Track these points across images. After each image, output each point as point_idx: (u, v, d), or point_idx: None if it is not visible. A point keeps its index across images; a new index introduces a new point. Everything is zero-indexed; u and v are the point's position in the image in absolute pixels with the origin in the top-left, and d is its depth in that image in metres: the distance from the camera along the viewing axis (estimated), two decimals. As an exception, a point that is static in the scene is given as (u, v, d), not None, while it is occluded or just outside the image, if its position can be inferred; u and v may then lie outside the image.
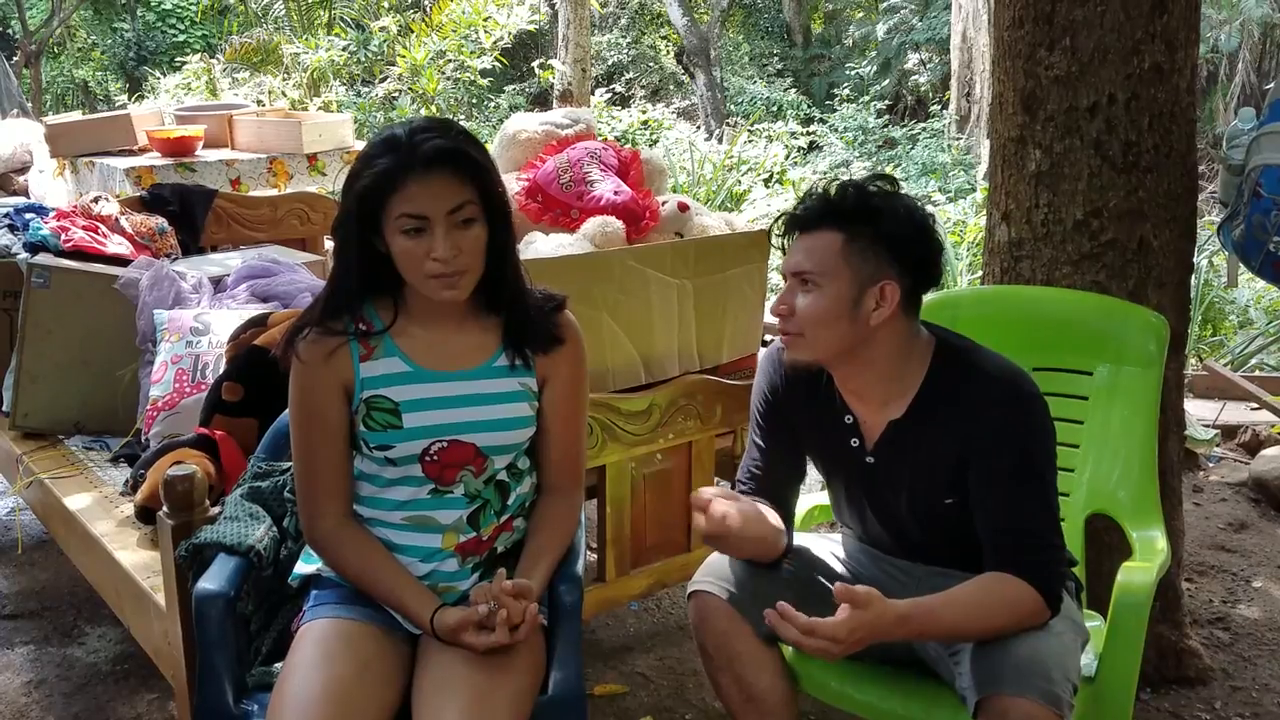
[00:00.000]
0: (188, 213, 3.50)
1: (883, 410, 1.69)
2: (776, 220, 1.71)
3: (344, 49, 10.48)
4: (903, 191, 1.70)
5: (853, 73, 16.29)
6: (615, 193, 2.72)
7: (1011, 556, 1.59)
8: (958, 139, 12.16)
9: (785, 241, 1.70)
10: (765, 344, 2.62)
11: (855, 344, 1.64)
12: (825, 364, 1.70)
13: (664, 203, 2.81)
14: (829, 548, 1.87)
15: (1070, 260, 2.29)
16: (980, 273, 2.75)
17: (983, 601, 1.56)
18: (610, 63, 16.18)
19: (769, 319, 3.70)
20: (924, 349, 1.68)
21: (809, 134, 12.55)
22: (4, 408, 2.87)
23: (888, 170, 10.79)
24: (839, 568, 1.83)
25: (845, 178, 1.74)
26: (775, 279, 6.79)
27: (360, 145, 4.42)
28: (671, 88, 16.54)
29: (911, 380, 1.67)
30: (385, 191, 1.49)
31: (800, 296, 1.64)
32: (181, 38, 16.18)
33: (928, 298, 1.72)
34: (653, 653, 2.67)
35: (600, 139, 3.02)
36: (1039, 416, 1.63)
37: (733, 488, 1.85)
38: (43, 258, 2.82)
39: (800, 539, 1.86)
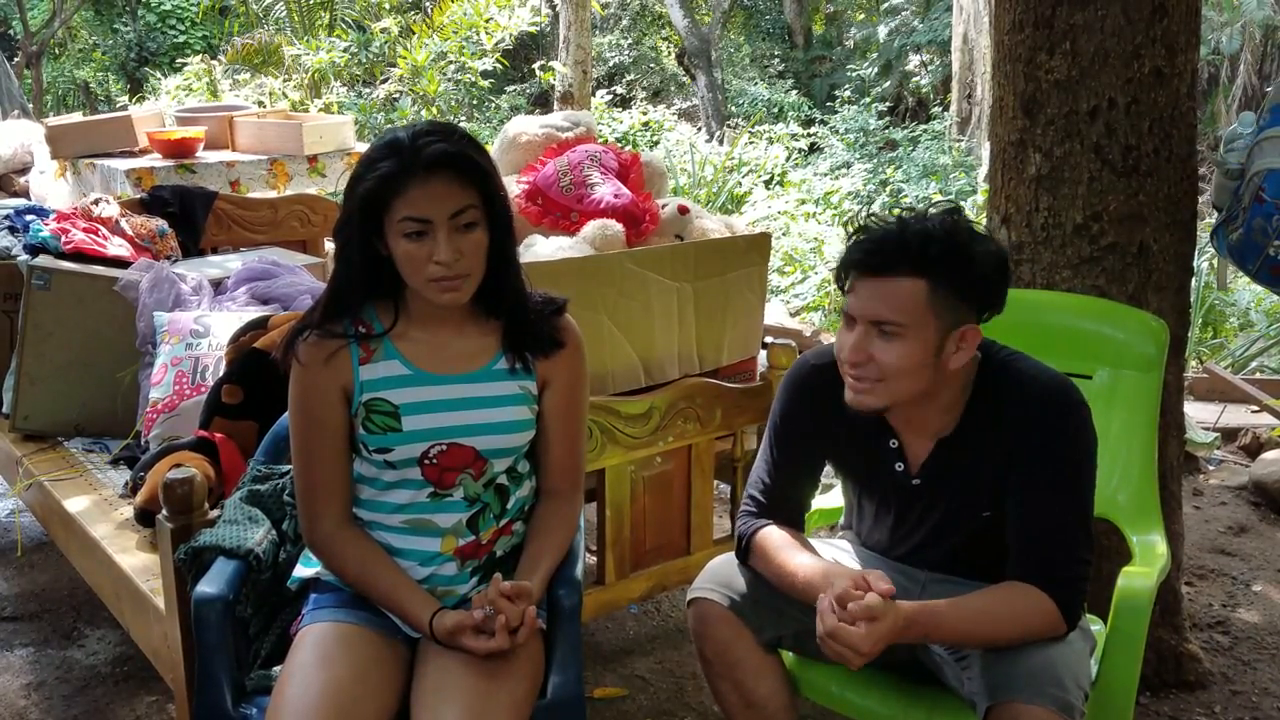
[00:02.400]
0: (188, 214, 3.50)
1: (929, 432, 1.65)
2: (843, 265, 1.55)
3: (345, 50, 10.45)
4: (973, 225, 1.58)
5: (854, 74, 16.26)
6: (615, 196, 2.72)
7: (1037, 567, 1.57)
8: (959, 141, 12.14)
9: (848, 279, 1.56)
10: (765, 346, 2.62)
11: (930, 388, 1.59)
12: (895, 407, 1.62)
13: (664, 206, 2.81)
14: (831, 553, 1.86)
15: (1070, 264, 2.29)
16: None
17: (995, 611, 1.55)
18: (611, 64, 16.18)
19: (769, 321, 3.72)
20: (970, 364, 1.63)
21: (810, 135, 12.55)
22: (4, 410, 2.87)
23: (888, 172, 10.77)
24: None
25: (912, 212, 1.56)
26: (774, 281, 6.81)
27: (361, 147, 4.42)
28: (672, 89, 16.55)
29: (959, 398, 1.64)
30: (388, 194, 1.50)
31: (878, 343, 1.53)
32: (182, 39, 16.18)
33: None
34: (652, 656, 2.67)
35: (601, 141, 3.02)
36: (1084, 427, 1.60)
37: (733, 492, 1.84)
38: (43, 260, 2.82)
39: None
